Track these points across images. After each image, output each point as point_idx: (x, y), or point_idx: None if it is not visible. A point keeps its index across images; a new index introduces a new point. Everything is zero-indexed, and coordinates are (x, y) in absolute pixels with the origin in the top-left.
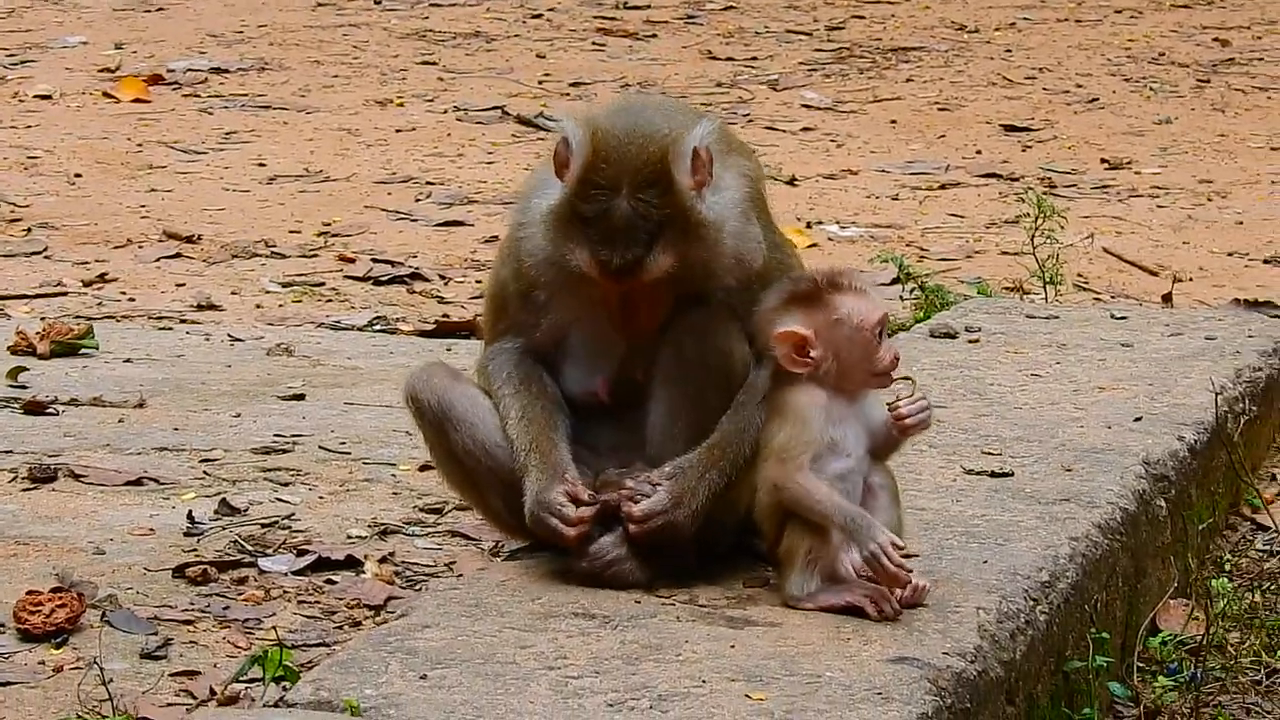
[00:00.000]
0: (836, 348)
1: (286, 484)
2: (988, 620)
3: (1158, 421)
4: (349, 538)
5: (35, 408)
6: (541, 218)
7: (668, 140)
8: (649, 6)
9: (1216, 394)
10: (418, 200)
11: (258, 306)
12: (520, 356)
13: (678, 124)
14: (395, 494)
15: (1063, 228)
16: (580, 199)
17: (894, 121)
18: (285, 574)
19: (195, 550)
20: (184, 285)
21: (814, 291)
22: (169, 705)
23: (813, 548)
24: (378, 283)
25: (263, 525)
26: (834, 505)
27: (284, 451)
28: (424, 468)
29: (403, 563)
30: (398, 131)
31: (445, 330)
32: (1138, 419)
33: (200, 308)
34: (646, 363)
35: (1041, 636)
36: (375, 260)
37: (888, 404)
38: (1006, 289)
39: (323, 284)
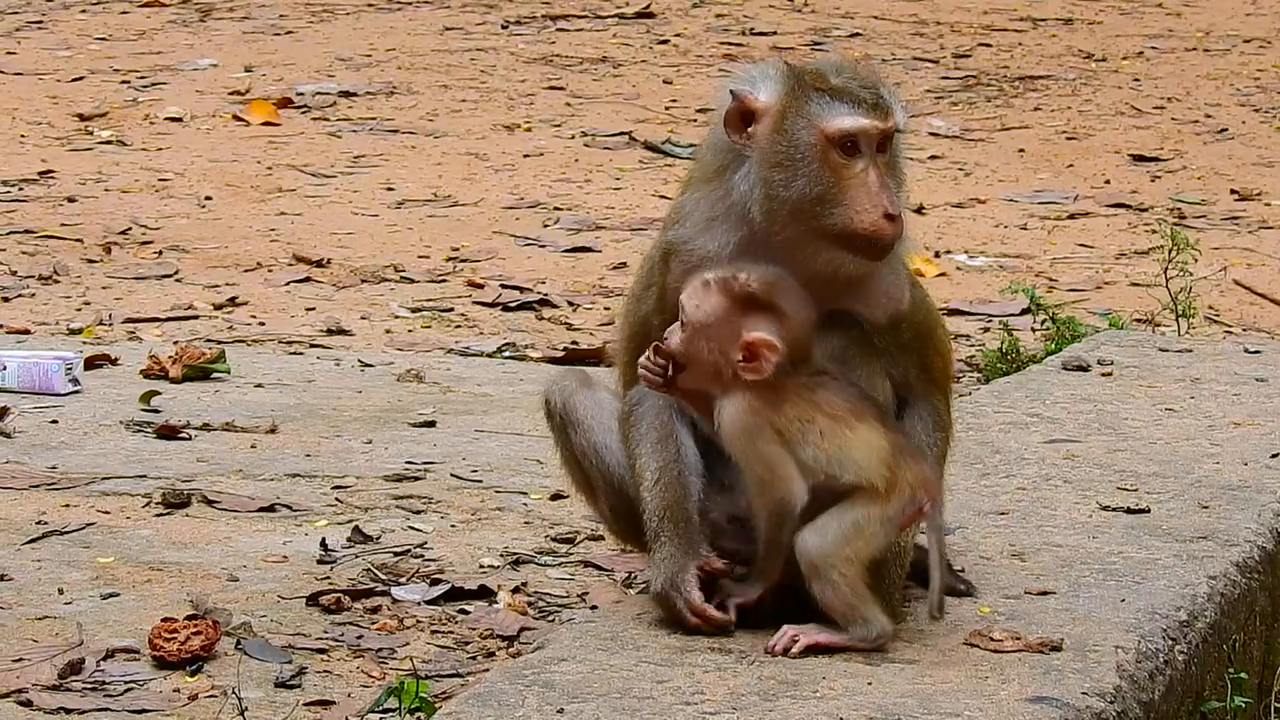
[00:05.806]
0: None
1: (419, 512)
2: (1126, 660)
3: None
4: (481, 567)
5: (168, 432)
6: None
7: None
8: (775, 33)
9: None
10: (545, 226)
11: (387, 332)
12: (660, 408)
13: None
14: (527, 523)
15: (1196, 260)
16: None
17: (1021, 150)
18: (418, 603)
19: (328, 578)
20: (314, 310)
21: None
22: None
23: None
24: (506, 309)
25: (395, 554)
26: None
27: (416, 479)
28: (555, 496)
29: (535, 593)
30: (525, 156)
31: (574, 357)
32: (1274, 455)
33: (330, 332)
34: None
35: (1180, 676)
36: (504, 286)
37: None
38: (1138, 321)
39: (451, 309)
